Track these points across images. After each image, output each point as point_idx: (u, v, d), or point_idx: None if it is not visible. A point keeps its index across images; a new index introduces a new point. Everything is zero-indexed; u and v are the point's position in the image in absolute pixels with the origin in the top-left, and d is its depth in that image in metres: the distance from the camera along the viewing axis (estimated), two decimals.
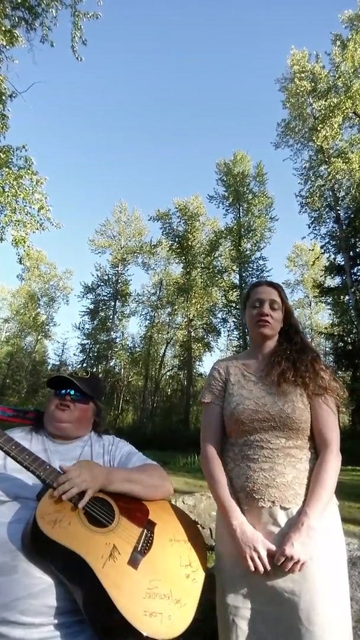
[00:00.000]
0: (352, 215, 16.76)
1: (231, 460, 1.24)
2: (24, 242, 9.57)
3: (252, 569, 1.04)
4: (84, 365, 24.48)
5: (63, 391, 1.38)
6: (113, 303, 26.60)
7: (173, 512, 1.28)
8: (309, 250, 24.26)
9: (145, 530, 1.13)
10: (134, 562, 1.03)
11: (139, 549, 1.07)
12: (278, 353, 1.32)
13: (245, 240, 22.80)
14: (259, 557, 1.04)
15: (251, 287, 1.47)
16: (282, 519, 1.09)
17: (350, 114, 15.60)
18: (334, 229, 17.66)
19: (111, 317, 26.27)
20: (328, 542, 1.08)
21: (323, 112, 15.28)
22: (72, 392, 1.37)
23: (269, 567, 1.03)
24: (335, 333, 17.68)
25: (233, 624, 1.06)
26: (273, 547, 1.05)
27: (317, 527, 1.05)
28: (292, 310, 1.44)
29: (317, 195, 17.31)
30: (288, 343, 1.34)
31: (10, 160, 9.65)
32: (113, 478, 1.16)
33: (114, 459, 1.35)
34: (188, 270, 24.13)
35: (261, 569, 1.03)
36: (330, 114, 14.92)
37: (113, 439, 1.45)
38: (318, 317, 28.77)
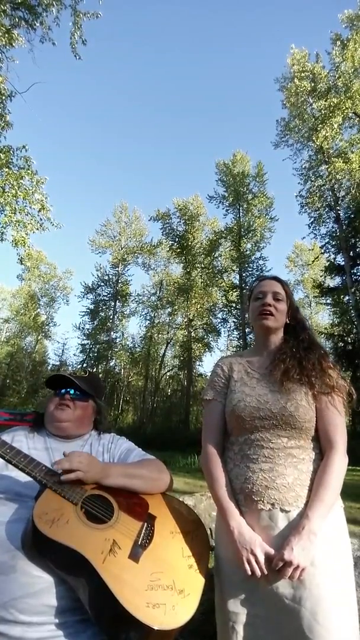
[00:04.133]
0: (352, 215, 16.74)
1: (231, 460, 1.22)
2: (24, 242, 9.58)
3: (249, 572, 1.01)
4: (84, 365, 24.47)
5: (62, 390, 1.38)
6: (113, 303, 26.56)
7: (174, 504, 1.27)
8: (309, 250, 24.26)
9: (146, 523, 1.13)
10: (134, 555, 1.04)
11: (139, 543, 1.07)
12: (283, 350, 1.28)
13: (245, 240, 22.77)
14: (256, 561, 1.01)
15: (255, 282, 1.44)
16: (282, 522, 1.05)
17: (350, 114, 15.59)
18: (334, 229, 17.65)
19: (111, 317, 26.23)
20: (332, 546, 1.04)
21: (323, 112, 15.28)
22: (72, 391, 1.38)
23: (265, 572, 1.00)
24: (336, 333, 17.66)
25: (233, 630, 1.04)
26: (272, 551, 1.02)
27: (318, 531, 1.01)
28: (298, 305, 1.40)
29: (317, 195, 17.30)
30: (294, 340, 1.30)
31: (10, 160, 9.66)
32: (110, 472, 1.16)
33: (113, 456, 1.36)
34: (188, 270, 24.10)
35: (258, 573, 1.00)
36: (330, 114, 14.93)
37: (112, 437, 1.45)
38: (318, 317, 28.78)
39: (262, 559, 1.01)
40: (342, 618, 0.97)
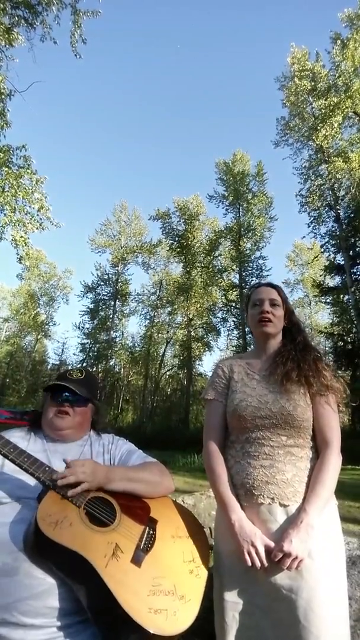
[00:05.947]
0: (352, 215, 16.73)
1: (232, 457, 1.25)
2: (25, 243, 9.58)
3: (249, 564, 1.05)
4: (84, 364, 24.45)
5: (60, 398, 1.34)
6: (113, 302, 26.54)
7: (174, 508, 1.28)
8: (309, 249, 24.23)
9: (147, 527, 1.14)
10: (137, 560, 1.04)
11: (141, 547, 1.08)
12: (282, 353, 1.33)
13: (245, 239, 22.77)
14: (257, 553, 1.05)
15: (251, 290, 1.50)
16: (281, 516, 1.10)
17: (350, 114, 15.57)
18: (333, 229, 17.63)
19: (111, 316, 26.22)
20: (327, 540, 1.10)
21: (323, 111, 15.27)
22: (70, 397, 1.35)
23: (266, 563, 1.04)
24: (335, 332, 17.65)
25: (233, 620, 1.07)
26: (271, 544, 1.06)
27: (315, 525, 1.06)
28: (293, 309, 1.47)
29: (317, 194, 17.26)
30: (291, 343, 1.36)
31: (9, 159, 9.65)
32: (113, 476, 1.16)
33: (114, 457, 1.36)
34: (188, 269, 24.09)
35: (258, 564, 1.04)
36: (330, 113, 14.91)
37: (112, 437, 1.45)
38: (318, 317, 28.77)
39: (262, 550, 1.05)
40: (335, 607, 1.02)
